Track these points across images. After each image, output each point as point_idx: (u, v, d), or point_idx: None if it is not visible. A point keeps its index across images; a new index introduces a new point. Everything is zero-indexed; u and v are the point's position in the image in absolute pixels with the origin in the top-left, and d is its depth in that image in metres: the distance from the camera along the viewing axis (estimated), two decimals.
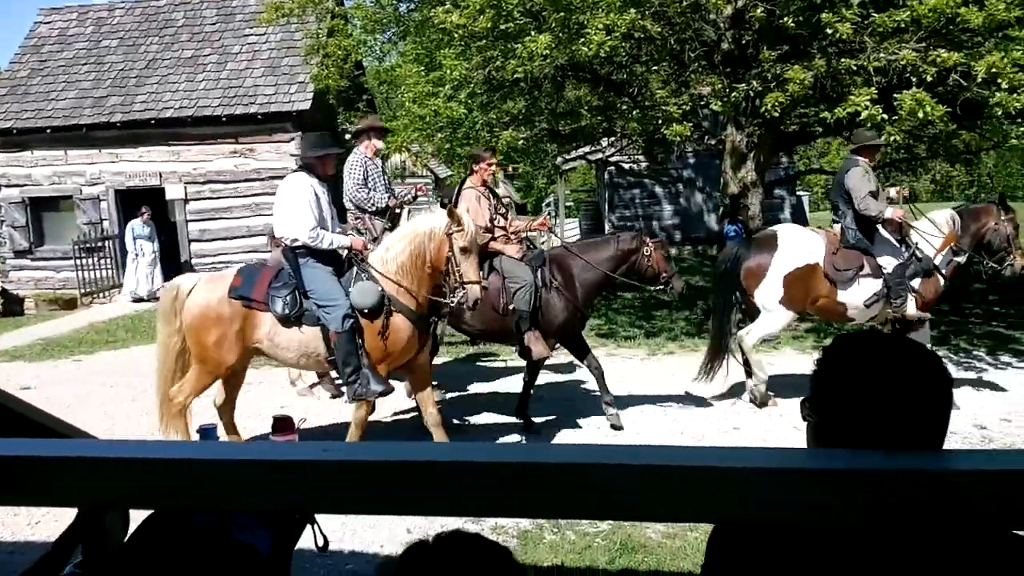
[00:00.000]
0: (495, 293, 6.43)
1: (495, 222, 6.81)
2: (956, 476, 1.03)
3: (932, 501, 1.01)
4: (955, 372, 8.55)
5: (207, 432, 2.06)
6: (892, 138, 7.94)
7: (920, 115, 7.52)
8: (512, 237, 6.90)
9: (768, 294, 7.10)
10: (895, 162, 14.65)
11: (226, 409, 6.07)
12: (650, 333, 11.01)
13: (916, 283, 7.04)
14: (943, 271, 7.20)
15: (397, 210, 7.42)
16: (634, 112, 10.89)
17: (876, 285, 6.96)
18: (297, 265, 5.60)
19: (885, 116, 7.83)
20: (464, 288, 5.53)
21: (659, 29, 9.58)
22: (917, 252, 7.04)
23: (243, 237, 16.57)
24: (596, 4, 9.12)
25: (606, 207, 23.14)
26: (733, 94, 9.69)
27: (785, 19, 9.00)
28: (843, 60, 8.46)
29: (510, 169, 14.96)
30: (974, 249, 7.25)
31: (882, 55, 8.25)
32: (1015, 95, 7.50)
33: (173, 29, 18.50)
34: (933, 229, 7.18)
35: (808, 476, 1.04)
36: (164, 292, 6.09)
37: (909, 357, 1.20)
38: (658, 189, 22.23)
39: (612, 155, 17.93)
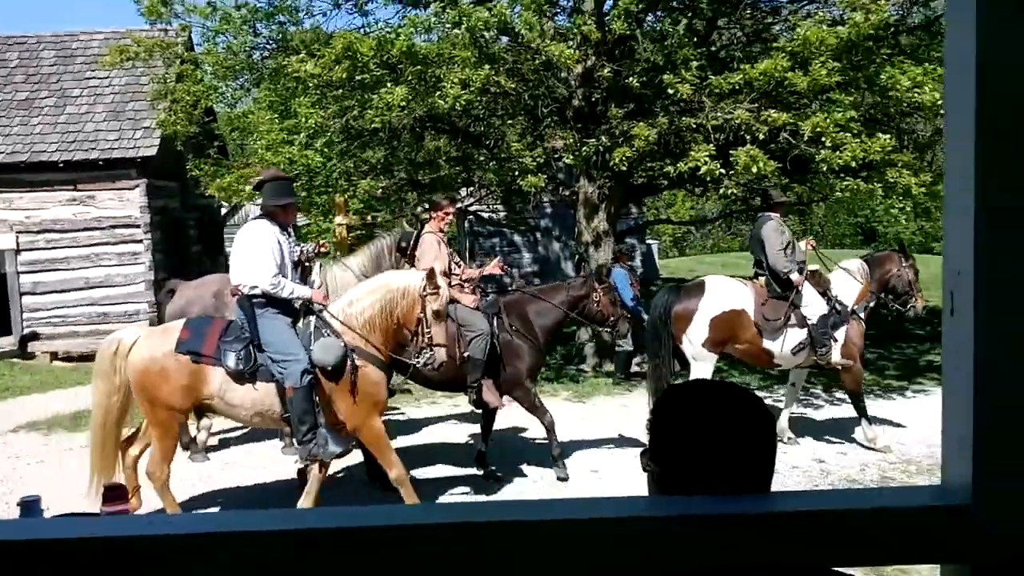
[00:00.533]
0: (451, 342, 6.19)
1: (451, 269, 6.77)
2: (779, 518, 1.08)
3: (758, 543, 1.05)
4: (798, 410, 9.10)
5: (31, 505, 1.89)
6: (730, 191, 8.49)
7: (754, 170, 8.09)
8: (466, 285, 6.89)
9: (695, 337, 7.27)
10: (733, 212, 15.63)
11: (131, 463, 5.61)
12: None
13: (841, 332, 7.39)
14: (861, 316, 7.67)
15: (307, 263, 7.22)
16: (491, 164, 11.12)
17: (801, 335, 7.27)
18: (253, 315, 5.25)
19: (723, 171, 8.38)
20: (431, 350, 5.40)
21: (513, 85, 9.88)
22: (836, 304, 7.43)
23: (81, 290, 15.52)
24: (452, 59, 9.31)
25: (467, 255, 23.34)
26: (584, 148, 10.09)
27: (631, 79, 9.50)
28: (684, 118, 9.02)
29: (368, 219, 14.84)
30: (880, 293, 7.79)
31: (719, 114, 8.85)
32: (838, 152, 8.22)
33: (7, 70, 17.35)
34: (849, 279, 7.66)
35: (645, 524, 1.06)
36: (103, 347, 5.60)
37: (734, 403, 1.26)
38: (517, 238, 22.68)
39: (471, 205, 18.17)
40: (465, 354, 6.44)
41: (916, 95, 8.12)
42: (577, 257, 14.10)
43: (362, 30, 11.03)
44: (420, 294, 5.37)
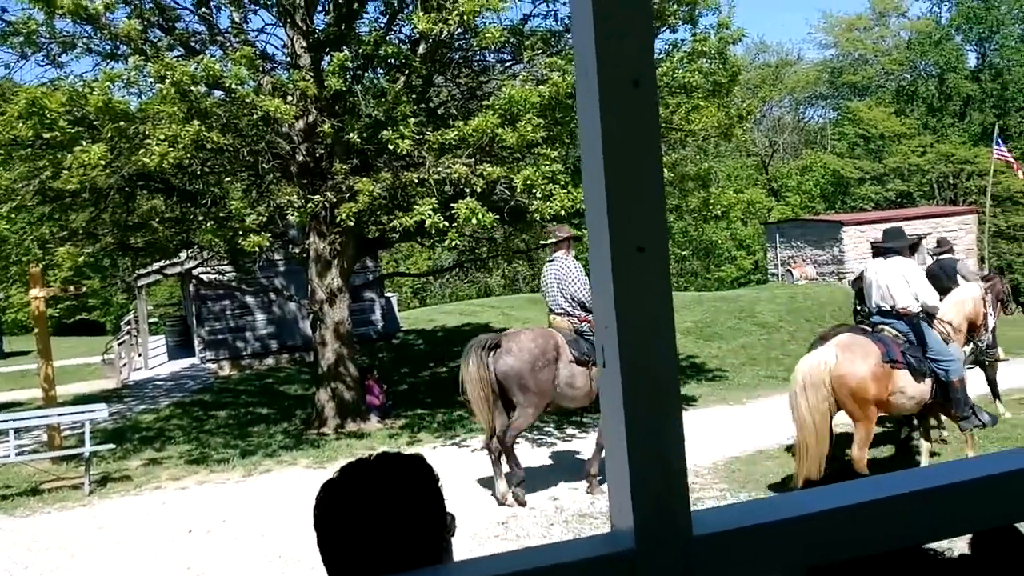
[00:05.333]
0: None
1: None
2: None
3: None
4: (529, 448, 9.46)
5: None
6: (453, 242, 8.73)
7: (474, 221, 8.40)
8: None
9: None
10: (461, 264, 16.15)
11: None
12: (246, 452, 10.45)
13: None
14: None
15: None
16: (209, 223, 10.54)
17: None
18: (921, 330, 6.51)
19: (447, 223, 8.60)
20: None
21: (229, 141, 9.48)
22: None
23: None
24: (157, 115, 8.74)
25: (194, 321, 21.84)
26: (309, 204, 9.89)
27: (352, 135, 9.50)
28: (407, 173, 9.17)
29: (71, 289, 13.43)
30: None
31: (440, 168, 9.11)
32: (548, 202, 8.78)
33: None
34: None
35: None
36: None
37: (390, 478, 1.21)
38: (249, 299, 21.60)
39: (196, 267, 17.09)
40: None
41: None
42: (312, 316, 13.74)
43: (53, 84, 10.02)
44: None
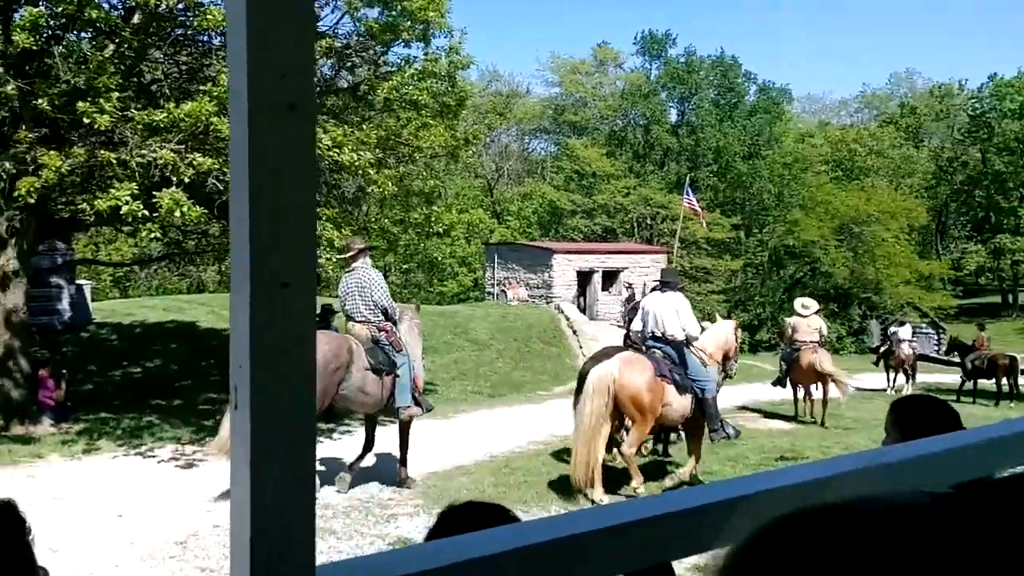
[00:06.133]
0: None
1: None
2: None
3: None
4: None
5: None
6: (152, 234, 8.03)
7: (178, 214, 7.78)
8: None
9: None
10: (170, 256, 14.98)
11: None
12: None
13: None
14: None
15: None
16: None
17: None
18: (683, 353, 7.67)
19: (146, 212, 7.88)
20: None
21: None
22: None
23: None
24: None
25: None
26: None
27: (41, 101, 8.40)
28: (104, 152, 8.28)
29: None
30: None
31: (145, 152, 8.33)
32: None
33: None
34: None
35: None
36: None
37: None
38: None
39: None
40: None
41: (336, 155, 8.74)
42: None
43: None
44: None
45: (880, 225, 39.74)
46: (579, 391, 7.74)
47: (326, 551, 5.73)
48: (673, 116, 45.94)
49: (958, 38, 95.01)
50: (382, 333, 7.59)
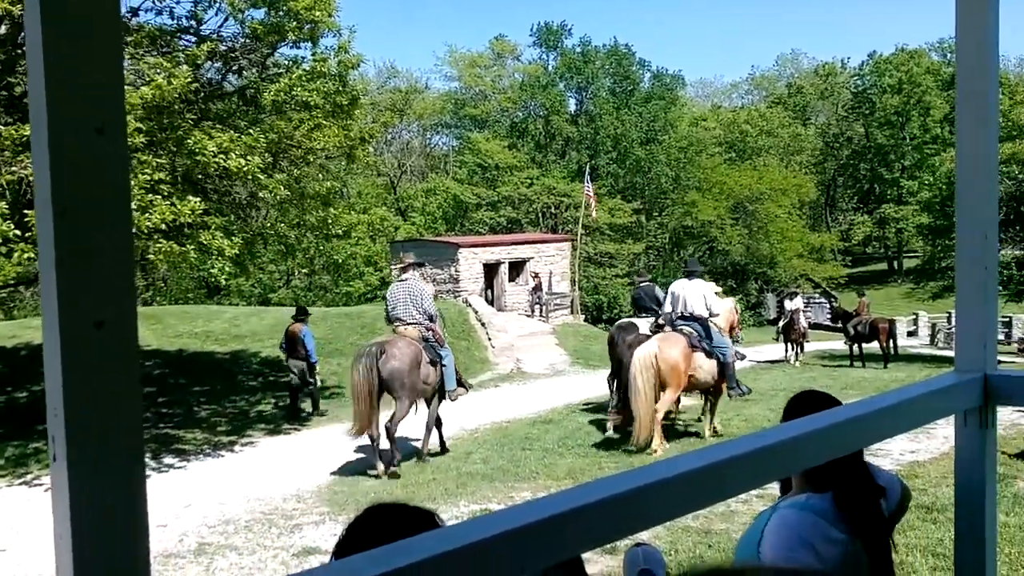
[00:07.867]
0: None
1: None
2: None
3: None
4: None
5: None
6: (26, 254, 7.64)
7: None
8: None
9: None
10: None
11: None
12: None
13: None
14: None
15: None
16: None
17: None
18: (708, 328, 9.43)
19: (18, 232, 7.49)
20: None
21: None
22: None
23: None
24: None
25: None
26: None
27: None
28: None
29: None
30: None
31: (16, 168, 7.92)
32: (147, 215, 8.09)
33: None
34: None
35: None
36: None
37: None
38: None
39: None
40: None
41: (223, 160, 8.50)
42: None
43: None
44: None
45: (772, 202, 41.35)
46: (614, 358, 10.27)
47: (227, 568, 5.60)
48: (572, 106, 46.53)
49: (840, 17, 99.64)
50: (429, 332, 9.13)
